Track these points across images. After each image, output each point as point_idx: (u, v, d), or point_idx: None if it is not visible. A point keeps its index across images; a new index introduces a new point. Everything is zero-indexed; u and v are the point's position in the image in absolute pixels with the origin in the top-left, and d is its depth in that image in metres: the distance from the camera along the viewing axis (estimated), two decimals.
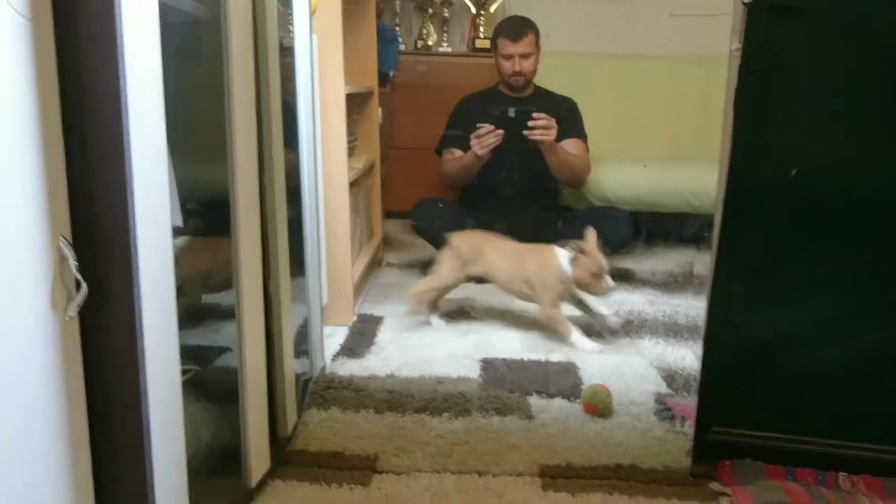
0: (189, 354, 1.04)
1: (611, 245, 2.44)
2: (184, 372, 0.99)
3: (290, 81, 1.47)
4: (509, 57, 2.62)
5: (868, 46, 1.13)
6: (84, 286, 0.73)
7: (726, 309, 1.23)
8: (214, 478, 1.11)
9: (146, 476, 0.81)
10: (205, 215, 1.11)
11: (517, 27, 2.62)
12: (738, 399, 1.27)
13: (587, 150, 2.68)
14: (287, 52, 1.44)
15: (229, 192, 1.06)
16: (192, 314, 1.07)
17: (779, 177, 1.17)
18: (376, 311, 2.17)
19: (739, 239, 1.20)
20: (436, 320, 2.06)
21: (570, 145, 2.57)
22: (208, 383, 1.14)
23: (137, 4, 0.75)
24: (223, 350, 1.16)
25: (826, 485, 1.22)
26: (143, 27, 0.77)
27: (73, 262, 0.72)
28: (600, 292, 1.91)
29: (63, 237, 0.72)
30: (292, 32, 1.48)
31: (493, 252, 2.03)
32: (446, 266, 2.04)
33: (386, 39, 3.21)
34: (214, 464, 1.11)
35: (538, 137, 2.35)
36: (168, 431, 0.85)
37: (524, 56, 2.61)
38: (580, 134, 2.67)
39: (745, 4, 1.10)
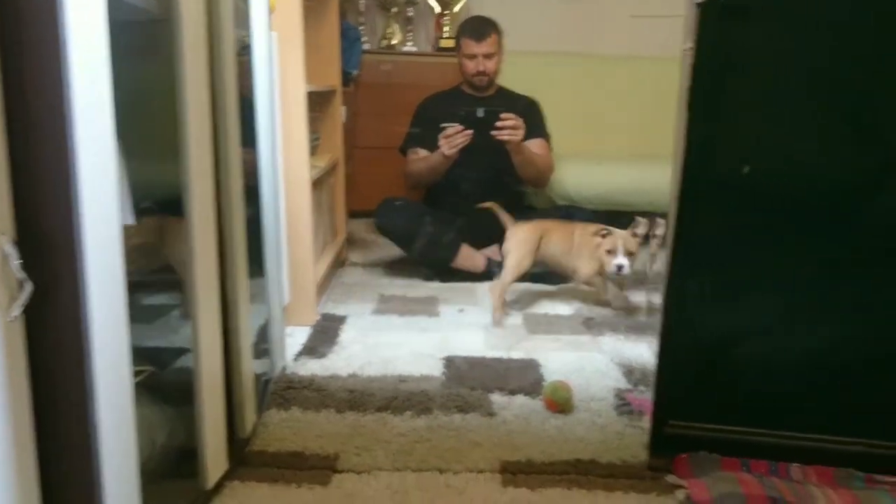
0: (144, 355, 1.03)
1: None
2: (138, 373, 0.98)
3: (249, 78, 1.46)
4: (473, 57, 2.63)
5: (817, 44, 1.15)
6: (28, 285, 0.72)
7: (681, 305, 1.25)
8: (170, 480, 1.10)
9: (95, 478, 0.79)
10: (160, 212, 1.09)
11: (480, 27, 2.63)
12: (693, 393, 1.29)
13: (550, 149, 2.70)
14: (246, 49, 1.43)
15: (183, 190, 1.05)
16: (148, 313, 1.06)
17: (732, 174, 1.19)
18: (339, 310, 2.16)
19: (694, 236, 1.22)
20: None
21: (534, 145, 2.58)
22: (164, 384, 1.12)
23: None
24: (180, 350, 1.14)
25: (778, 475, 1.25)
26: (89, 22, 0.76)
27: (15, 261, 0.71)
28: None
29: (5, 235, 0.70)
30: (251, 29, 1.46)
31: (553, 235, 2.23)
32: (516, 257, 2.16)
33: (350, 38, 3.20)
34: (170, 466, 1.10)
35: (506, 138, 2.37)
36: (118, 432, 0.84)
37: (487, 56, 2.62)
38: (543, 133, 2.69)
39: (697, 4, 1.12)
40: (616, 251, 2.07)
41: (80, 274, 0.76)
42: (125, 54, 0.83)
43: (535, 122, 2.64)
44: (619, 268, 2.06)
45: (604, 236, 2.11)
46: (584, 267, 2.19)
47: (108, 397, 0.81)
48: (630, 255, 2.08)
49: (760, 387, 1.28)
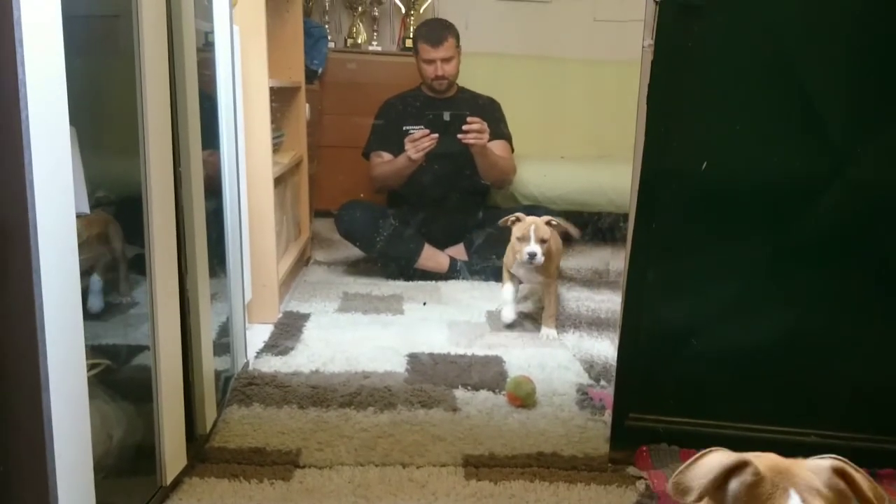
0: (101, 350, 1.01)
1: None
2: (93, 366, 0.96)
3: (211, 72, 1.44)
4: (431, 62, 2.61)
5: (768, 45, 1.18)
6: None
7: (641, 299, 1.27)
8: (126, 476, 1.08)
9: (48, 473, 0.78)
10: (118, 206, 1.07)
11: (436, 32, 2.61)
12: (652, 386, 1.31)
13: (512, 150, 2.72)
14: (208, 43, 1.41)
15: (142, 185, 1.03)
16: (105, 307, 1.04)
17: (689, 169, 1.22)
18: (303, 308, 2.14)
19: (652, 231, 1.24)
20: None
21: (497, 147, 2.59)
22: (121, 380, 1.10)
23: None
24: (138, 346, 1.12)
25: None
26: (44, 14, 0.74)
27: None
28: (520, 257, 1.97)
29: None
30: (213, 22, 1.44)
31: None
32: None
33: (314, 36, 3.18)
34: (127, 462, 1.08)
35: (472, 141, 2.38)
36: (73, 427, 0.82)
37: (446, 60, 2.60)
38: (505, 135, 2.70)
39: (656, 3, 1.14)
40: (528, 238, 1.92)
41: (34, 264, 0.74)
42: (83, 48, 0.82)
43: (496, 124, 2.64)
44: (531, 256, 1.90)
45: (513, 223, 1.99)
46: (507, 258, 2.06)
47: (62, 391, 0.79)
48: (543, 242, 1.92)
49: (716, 378, 1.31)
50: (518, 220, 1.99)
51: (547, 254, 1.93)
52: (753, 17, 1.17)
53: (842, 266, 1.24)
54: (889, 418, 1.29)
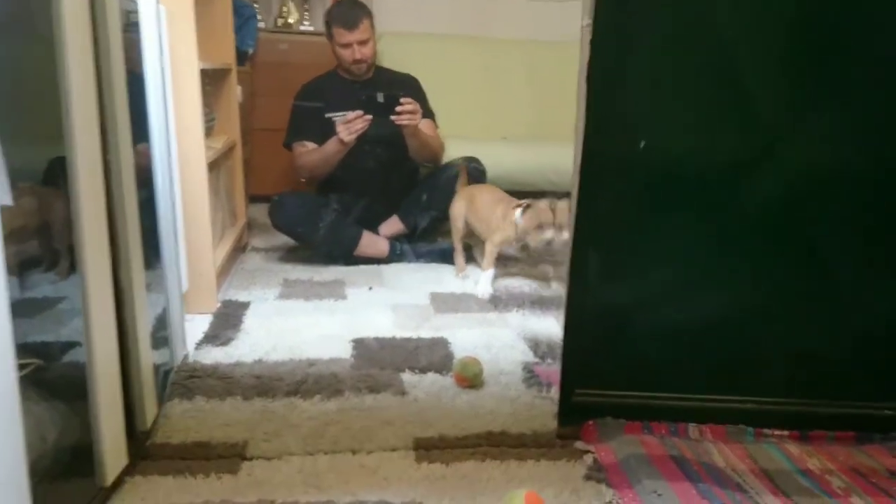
0: (31, 349, 0.96)
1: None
2: (24, 366, 0.91)
3: (137, 54, 1.38)
4: (347, 45, 2.54)
5: (707, 25, 1.20)
6: None
7: (584, 277, 1.28)
8: (64, 479, 1.03)
9: None
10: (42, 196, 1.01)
11: (350, 14, 2.54)
12: (597, 362, 1.33)
13: (437, 127, 2.69)
14: (132, 24, 1.34)
15: (68, 173, 0.98)
16: (34, 302, 0.99)
17: (629, 149, 1.23)
18: (242, 296, 2.09)
19: (595, 209, 1.25)
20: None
21: (424, 126, 2.54)
22: (54, 379, 1.05)
23: None
24: (71, 343, 1.07)
25: (678, 435, 1.31)
26: None
27: None
28: (535, 242, 2.13)
29: None
30: (136, 2, 1.38)
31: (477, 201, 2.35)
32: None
33: (244, 16, 3.09)
34: (63, 465, 1.03)
35: (406, 122, 2.35)
36: (4, 432, 0.78)
37: (362, 42, 2.54)
38: (429, 112, 2.67)
39: None
40: (550, 225, 2.08)
41: None
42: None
43: (421, 102, 2.61)
44: (549, 241, 2.09)
45: (525, 209, 2.13)
46: (504, 239, 2.24)
47: None
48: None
49: (658, 353, 1.34)
50: (529, 206, 2.13)
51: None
52: None
53: (775, 244, 1.29)
54: (817, 383, 1.35)
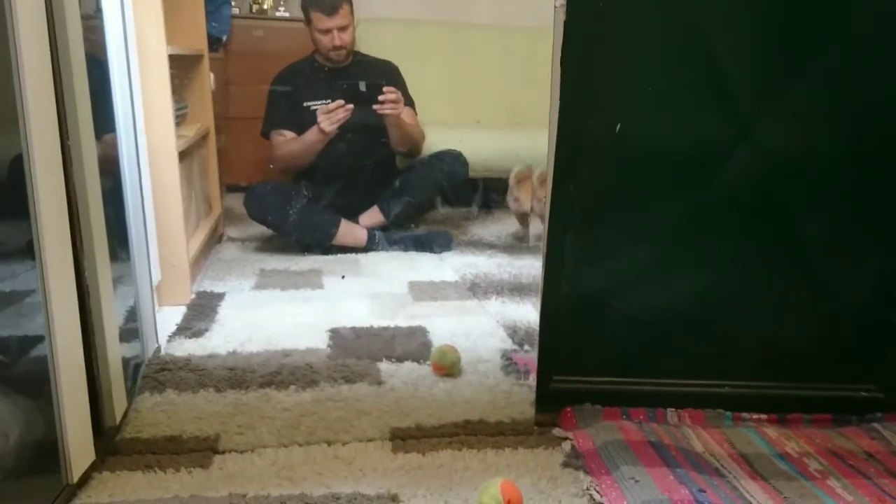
0: None
1: (450, 183, 2.49)
2: None
3: (99, 38, 1.34)
4: (327, 31, 2.49)
5: (684, 5, 1.18)
6: None
7: (560, 262, 1.27)
8: (27, 477, 1.00)
9: None
10: None
11: None
12: (574, 348, 1.32)
13: (415, 114, 2.67)
14: (95, 7, 1.30)
15: (24, 161, 0.94)
16: None
17: (604, 132, 1.22)
18: (217, 287, 2.06)
19: (570, 194, 1.23)
20: None
21: (405, 114, 2.51)
22: (16, 375, 1.02)
23: None
24: (33, 337, 1.04)
25: (656, 420, 1.31)
26: None
27: None
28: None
29: None
30: None
31: None
32: None
33: (216, 2, 3.03)
34: (27, 462, 1.00)
35: (388, 111, 2.31)
36: None
37: (342, 28, 2.49)
38: (409, 100, 2.63)
39: None
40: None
41: None
42: None
43: (401, 90, 2.58)
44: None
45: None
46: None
47: None
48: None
49: (636, 338, 1.33)
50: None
51: None
52: None
53: (751, 228, 1.28)
54: (794, 367, 1.35)
